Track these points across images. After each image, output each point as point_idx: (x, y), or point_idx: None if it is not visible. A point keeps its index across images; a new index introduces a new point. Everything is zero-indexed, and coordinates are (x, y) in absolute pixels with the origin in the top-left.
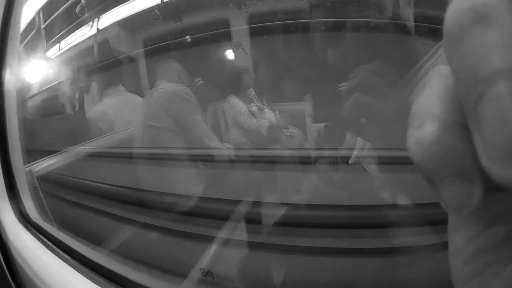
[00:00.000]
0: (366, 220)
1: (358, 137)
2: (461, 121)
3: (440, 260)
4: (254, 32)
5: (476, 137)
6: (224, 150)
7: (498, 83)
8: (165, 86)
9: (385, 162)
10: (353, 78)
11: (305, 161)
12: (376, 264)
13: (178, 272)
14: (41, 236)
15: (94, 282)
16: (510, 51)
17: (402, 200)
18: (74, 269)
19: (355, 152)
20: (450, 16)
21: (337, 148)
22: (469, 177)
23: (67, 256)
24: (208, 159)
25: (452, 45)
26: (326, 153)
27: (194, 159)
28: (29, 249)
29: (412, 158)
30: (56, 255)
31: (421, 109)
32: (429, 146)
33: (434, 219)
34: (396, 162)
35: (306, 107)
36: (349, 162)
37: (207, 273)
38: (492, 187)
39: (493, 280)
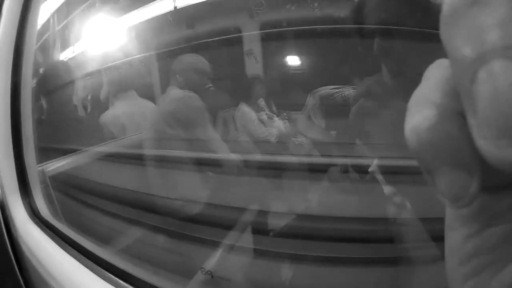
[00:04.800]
0: (374, 233)
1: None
2: (459, 110)
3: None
4: (266, 41)
5: (471, 119)
6: (233, 159)
7: (492, 60)
8: (174, 93)
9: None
10: (359, 87)
11: (315, 169)
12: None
13: (180, 271)
14: (51, 233)
15: (102, 278)
16: (504, 30)
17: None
18: (83, 264)
19: (375, 161)
20: None
21: (347, 156)
22: (466, 167)
23: (75, 252)
24: (216, 165)
25: (447, 26)
26: (336, 161)
27: (202, 165)
28: (39, 244)
29: (409, 146)
30: (65, 251)
31: (419, 97)
32: (425, 132)
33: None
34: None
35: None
36: (369, 170)
37: (207, 273)
38: (490, 186)
39: (490, 282)
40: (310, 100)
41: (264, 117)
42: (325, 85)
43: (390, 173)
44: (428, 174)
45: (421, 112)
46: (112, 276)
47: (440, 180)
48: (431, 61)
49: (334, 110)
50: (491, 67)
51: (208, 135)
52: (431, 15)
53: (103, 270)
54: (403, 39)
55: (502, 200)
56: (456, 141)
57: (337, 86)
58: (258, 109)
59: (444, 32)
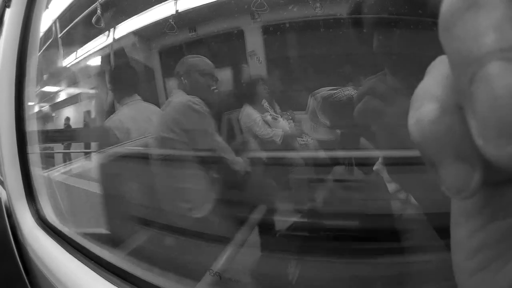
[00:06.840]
0: (379, 230)
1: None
2: (461, 104)
3: None
4: (269, 41)
5: (470, 118)
6: (240, 162)
7: (489, 62)
8: (177, 98)
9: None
10: (363, 85)
11: (320, 170)
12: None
13: (189, 273)
14: (58, 238)
15: (111, 282)
16: (500, 33)
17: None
18: (91, 269)
19: (380, 159)
20: (444, 2)
21: (352, 155)
22: (468, 160)
23: (83, 257)
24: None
25: (446, 30)
26: (341, 160)
27: (207, 167)
28: (46, 250)
29: (412, 139)
30: (73, 256)
31: (422, 92)
32: (428, 125)
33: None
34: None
35: None
36: (374, 168)
37: (215, 274)
38: (493, 181)
39: (496, 275)
40: (311, 102)
41: (269, 118)
42: (326, 86)
43: (395, 170)
44: (431, 166)
45: (423, 106)
46: (121, 281)
47: (443, 172)
48: (433, 57)
49: (337, 110)
50: (488, 69)
51: (213, 141)
52: (432, 9)
53: (111, 275)
54: (404, 35)
55: (505, 194)
56: (457, 134)
57: (335, 87)
58: (262, 110)
59: (443, 34)
